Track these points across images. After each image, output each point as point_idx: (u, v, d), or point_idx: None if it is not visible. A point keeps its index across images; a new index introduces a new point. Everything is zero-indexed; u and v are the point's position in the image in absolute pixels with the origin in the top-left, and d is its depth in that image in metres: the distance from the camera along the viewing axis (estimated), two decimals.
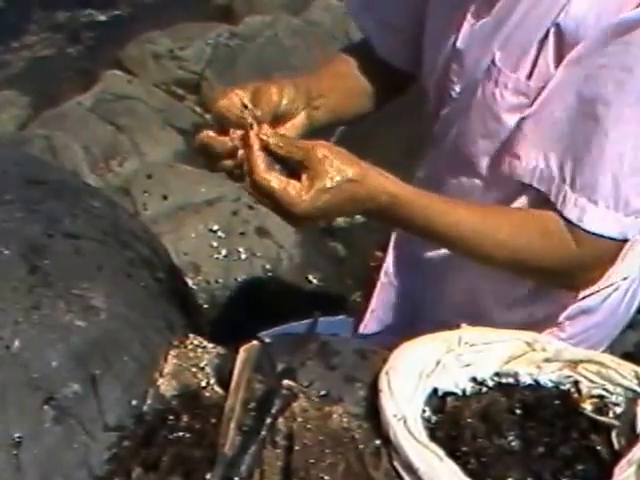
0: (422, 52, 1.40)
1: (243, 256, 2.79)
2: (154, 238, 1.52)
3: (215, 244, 2.79)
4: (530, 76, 1.18)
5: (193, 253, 2.75)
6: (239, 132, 1.10)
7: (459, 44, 1.27)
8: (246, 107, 1.11)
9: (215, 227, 2.81)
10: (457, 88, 1.30)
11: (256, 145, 1.06)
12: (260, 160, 1.05)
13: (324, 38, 3.93)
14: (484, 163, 1.28)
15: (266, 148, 1.07)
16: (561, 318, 1.40)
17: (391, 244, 1.59)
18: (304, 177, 1.04)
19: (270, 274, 2.80)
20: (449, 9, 1.29)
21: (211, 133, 1.12)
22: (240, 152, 1.09)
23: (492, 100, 1.22)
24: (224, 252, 2.78)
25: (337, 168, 1.04)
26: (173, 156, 3.39)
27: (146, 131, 3.44)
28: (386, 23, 1.43)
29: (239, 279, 2.76)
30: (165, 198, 2.95)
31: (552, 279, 1.28)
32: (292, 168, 1.06)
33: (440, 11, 1.32)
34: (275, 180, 1.04)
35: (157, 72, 3.88)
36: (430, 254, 1.47)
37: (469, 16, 1.25)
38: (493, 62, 1.22)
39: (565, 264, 1.20)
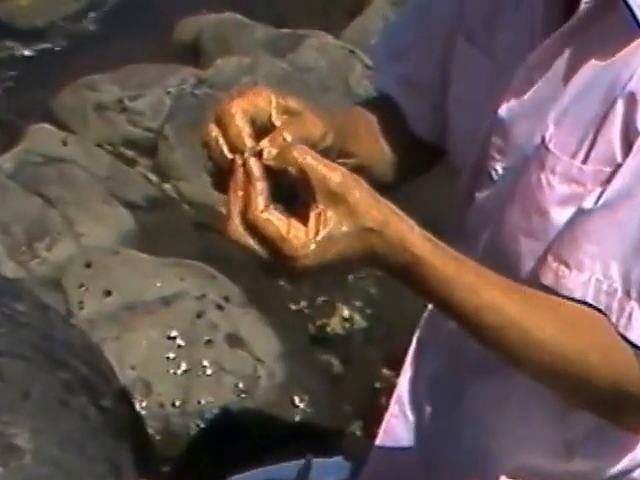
0: (450, 120, 1.42)
1: (209, 371, 2.78)
2: (96, 352, 1.53)
3: (172, 355, 2.78)
4: (586, 160, 1.19)
5: (143, 367, 2.74)
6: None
7: (502, 113, 1.28)
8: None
9: (173, 333, 2.81)
10: (499, 168, 1.31)
11: (257, 172, 1.03)
12: (259, 192, 1.02)
13: (317, 87, 3.99)
14: (526, 267, 1.27)
15: (268, 168, 1.03)
16: (636, 474, 1.39)
17: (407, 360, 1.59)
18: (311, 215, 1.01)
19: (244, 395, 2.79)
20: (488, 69, 1.32)
21: (220, 140, 1.09)
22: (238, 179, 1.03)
23: (538, 188, 1.23)
24: (184, 366, 2.78)
25: (352, 211, 1.02)
26: (119, 239, 3.39)
27: (84, 205, 3.44)
28: (412, 80, 1.46)
29: (203, 402, 2.75)
30: (108, 294, 2.95)
31: (604, 409, 1.25)
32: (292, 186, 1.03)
33: (475, 70, 1.35)
34: (276, 222, 1.00)
35: (100, 128, 3.92)
36: (462, 377, 1.48)
37: (517, 78, 1.26)
38: (543, 139, 1.22)
39: (624, 390, 1.18)
